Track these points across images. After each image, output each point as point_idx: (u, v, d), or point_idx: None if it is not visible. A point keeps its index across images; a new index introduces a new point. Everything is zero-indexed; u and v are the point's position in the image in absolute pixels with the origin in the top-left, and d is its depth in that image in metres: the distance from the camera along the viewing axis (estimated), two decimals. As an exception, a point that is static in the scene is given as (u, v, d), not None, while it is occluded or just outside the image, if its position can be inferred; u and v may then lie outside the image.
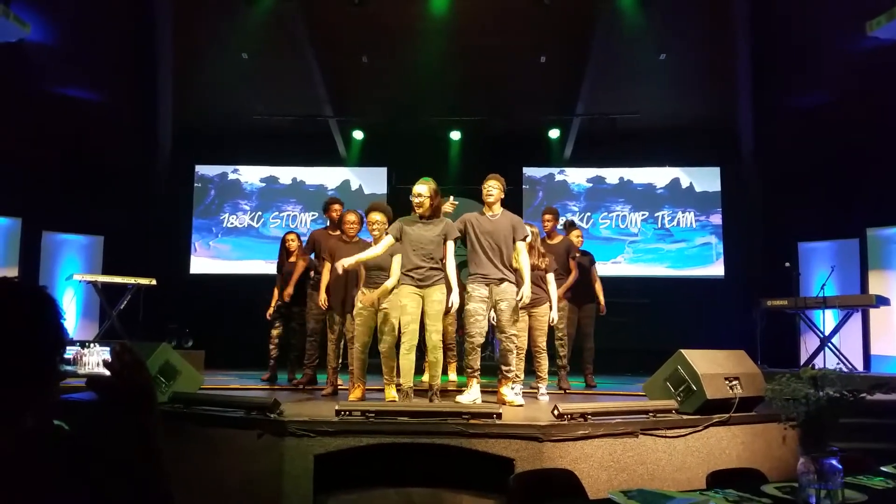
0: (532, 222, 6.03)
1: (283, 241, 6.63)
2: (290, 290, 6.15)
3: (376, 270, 4.90)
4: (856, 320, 8.07)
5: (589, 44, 8.93)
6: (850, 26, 7.54)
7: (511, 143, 10.29)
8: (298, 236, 6.69)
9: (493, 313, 4.91)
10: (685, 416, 4.05)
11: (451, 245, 4.73)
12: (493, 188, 4.90)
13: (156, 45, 9.16)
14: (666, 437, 3.88)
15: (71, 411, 4.13)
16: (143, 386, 1.17)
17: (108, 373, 1.16)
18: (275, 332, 6.48)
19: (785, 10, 8.61)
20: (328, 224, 6.20)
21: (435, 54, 8.82)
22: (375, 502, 3.59)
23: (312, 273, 6.15)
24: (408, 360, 4.59)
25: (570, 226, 6.77)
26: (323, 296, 5.41)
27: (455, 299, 4.63)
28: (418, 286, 4.59)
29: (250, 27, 8.80)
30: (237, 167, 10.78)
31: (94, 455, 1.15)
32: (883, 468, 2.39)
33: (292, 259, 6.44)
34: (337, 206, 6.13)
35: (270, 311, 6.48)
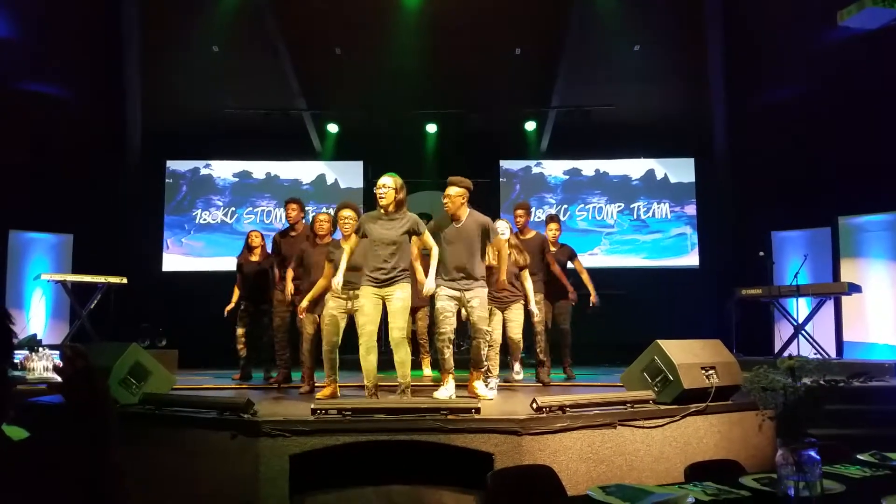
0: (508, 217, 6.00)
1: (247, 237, 6.57)
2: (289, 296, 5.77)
3: (350, 271, 4.84)
4: (828, 308, 8.18)
5: (564, 36, 8.91)
6: (820, 18, 7.60)
7: (487, 136, 10.23)
8: (262, 235, 6.60)
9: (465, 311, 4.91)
10: (662, 407, 4.05)
11: (427, 237, 4.64)
12: (453, 197, 4.78)
13: (123, 38, 8.96)
14: (644, 427, 3.88)
15: (44, 414, 4.02)
16: (97, 392, 1.11)
17: (59, 378, 1.10)
18: (240, 331, 6.39)
19: (756, 3, 8.67)
20: (288, 226, 6.20)
21: (409, 47, 8.75)
22: (354, 502, 3.54)
23: (278, 272, 6.06)
24: (368, 361, 4.53)
25: (549, 219, 6.65)
26: (290, 285, 5.55)
27: (430, 284, 4.59)
28: (378, 286, 4.49)
29: (220, 20, 8.65)
30: (209, 162, 10.59)
31: (45, 463, 1.09)
32: (859, 456, 2.41)
33: (253, 258, 6.40)
34: (293, 206, 6.11)
35: (229, 307, 6.47)
